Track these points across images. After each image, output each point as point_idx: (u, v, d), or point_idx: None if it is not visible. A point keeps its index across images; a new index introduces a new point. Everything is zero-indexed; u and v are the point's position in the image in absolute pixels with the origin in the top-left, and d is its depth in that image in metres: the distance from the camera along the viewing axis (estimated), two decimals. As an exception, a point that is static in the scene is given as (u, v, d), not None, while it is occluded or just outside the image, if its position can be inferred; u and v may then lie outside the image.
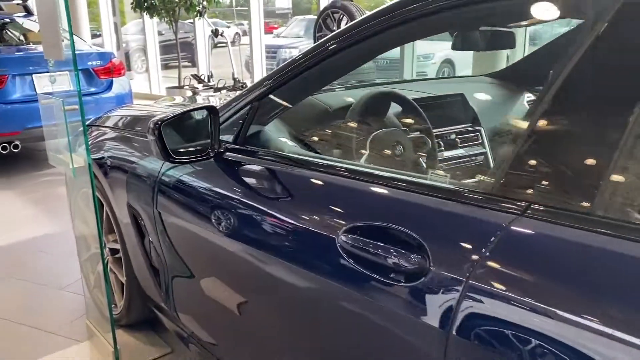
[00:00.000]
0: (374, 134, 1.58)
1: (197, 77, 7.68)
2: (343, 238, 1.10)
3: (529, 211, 0.88)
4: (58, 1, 1.82)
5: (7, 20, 5.72)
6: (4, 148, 4.70)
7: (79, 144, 2.18)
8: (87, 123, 2.48)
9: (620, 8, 0.88)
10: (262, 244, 1.32)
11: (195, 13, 7.62)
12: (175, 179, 1.68)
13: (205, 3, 7.82)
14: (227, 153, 1.55)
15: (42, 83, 4.73)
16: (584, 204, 0.84)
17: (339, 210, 1.18)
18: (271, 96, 1.51)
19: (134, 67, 12.66)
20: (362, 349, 1.08)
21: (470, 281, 0.88)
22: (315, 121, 1.76)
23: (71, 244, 2.74)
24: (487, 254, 0.88)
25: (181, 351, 2.23)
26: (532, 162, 0.92)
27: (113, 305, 2.35)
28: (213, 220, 1.49)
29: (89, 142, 2.28)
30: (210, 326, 1.71)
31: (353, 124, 1.65)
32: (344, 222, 1.12)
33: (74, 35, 5.50)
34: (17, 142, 4.73)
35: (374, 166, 1.37)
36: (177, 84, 8.11)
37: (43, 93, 2.26)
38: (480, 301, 0.86)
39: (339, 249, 1.10)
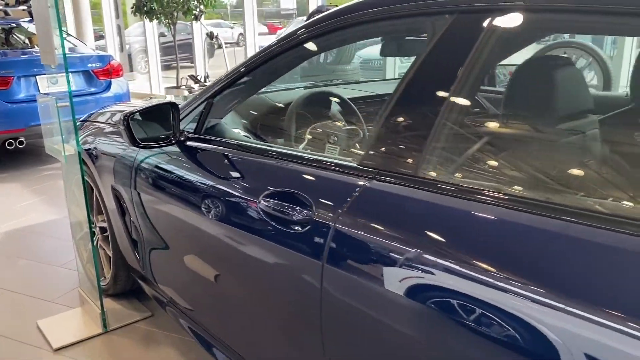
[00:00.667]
0: (309, 126, 1.92)
1: (193, 78, 8.04)
2: (263, 202, 1.45)
3: (377, 176, 1.22)
4: (51, 14, 2.17)
5: (14, 25, 6.10)
6: (10, 144, 5.07)
7: (72, 137, 2.53)
8: (81, 119, 2.85)
9: (445, 30, 1.22)
10: (216, 214, 1.65)
11: (192, 17, 7.98)
12: (149, 163, 2.03)
13: (202, 7, 8.18)
14: (189, 142, 1.90)
15: (46, 84, 5.10)
16: (411, 170, 1.18)
17: (261, 181, 1.53)
18: (223, 94, 1.86)
19: (137, 67, 13.06)
20: (278, 283, 1.42)
21: (337, 225, 1.22)
22: (261, 115, 2.11)
23: (69, 228, 3.09)
24: (348, 205, 1.22)
25: (160, 315, 2.58)
26: (382, 141, 1.26)
27: (102, 277, 2.71)
28: (179, 197, 1.83)
29: (83, 136, 2.64)
30: (183, 290, 2.05)
31: (290, 118, 1.99)
32: (263, 190, 1.47)
33: (76, 39, 5.92)
34: (21, 139, 5.10)
35: (294, 149, 1.71)
36: (175, 84, 8.47)
37: (43, 93, 2.61)
38: (343, 239, 1.20)
39: (259, 211, 1.45)
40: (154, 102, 1.85)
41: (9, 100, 4.96)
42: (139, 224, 2.18)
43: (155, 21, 8.36)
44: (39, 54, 5.43)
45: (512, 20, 1.16)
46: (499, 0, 1.16)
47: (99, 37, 12.51)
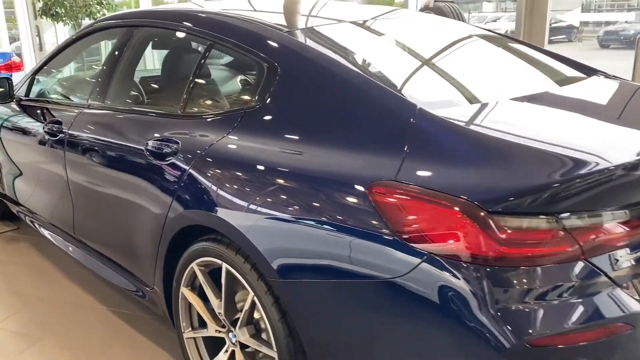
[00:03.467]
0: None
1: (97, 73, 9.09)
2: (45, 127, 2.70)
3: (89, 107, 2.50)
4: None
5: None
6: None
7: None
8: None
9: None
10: (37, 142, 2.85)
11: (94, 20, 9.03)
12: (3, 118, 3.23)
13: (105, 11, 9.25)
14: (21, 102, 3.12)
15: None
16: (100, 102, 2.47)
17: (49, 117, 2.77)
18: (40, 72, 3.10)
19: (56, 66, 13.84)
20: (53, 168, 2.67)
21: (68, 132, 2.49)
22: (71, 84, 3.36)
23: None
24: (74, 122, 2.49)
25: (25, 228, 3.76)
26: (95, 90, 2.54)
27: (-16, 207, 3.87)
28: (18, 137, 3.05)
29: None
30: (36, 203, 3.24)
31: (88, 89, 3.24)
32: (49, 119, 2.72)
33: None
34: None
35: (66, 101, 2.97)
36: (82, 79, 9.49)
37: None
38: (70, 138, 2.47)
39: (44, 132, 2.69)
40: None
41: None
42: (1, 159, 3.38)
43: (61, 23, 9.36)
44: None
45: (150, 31, 2.46)
46: (144, 21, 2.45)
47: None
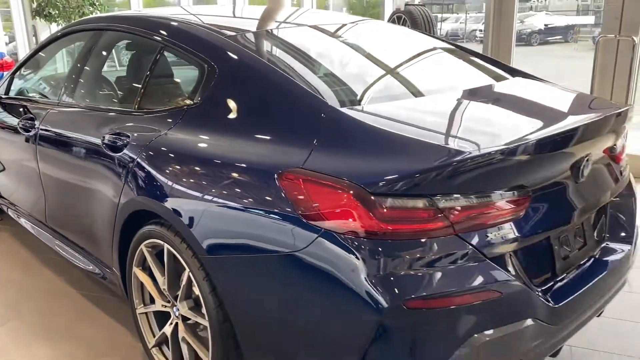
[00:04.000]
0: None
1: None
2: (20, 122, 2.90)
3: (58, 105, 2.71)
4: None
5: None
6: None
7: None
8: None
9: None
10: (18, 139, 3.05)
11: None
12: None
13: (97, 12, 9.46)
14: (1, 100, 3.32)
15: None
16: (69, 99, 2.67)
17: (25, 113, 2.98)
18: (18, 72, 3.30)
19: (53, 66, 14.05)
20: (26, 161, 2.87)
21: (40, 126, 2.70)
22: (44, 83, 3.57)
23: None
24: (45, 118, 2.70)
25: (7, 219, 3.96)
26: (64, 90, 2.75)
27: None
28: (3, 134, 3.25)
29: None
30: (14, 195, 3.44)
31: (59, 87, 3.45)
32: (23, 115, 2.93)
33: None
34: None
35: (40, 100, 3.18)
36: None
37: None
38: (42, 133, 2.68)
39: (18, 127, 2.90)
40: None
41: None
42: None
43: (54, 24, 9.58)
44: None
45: (113, 35, 2.67)
46: (109, 25, 2.66)
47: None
